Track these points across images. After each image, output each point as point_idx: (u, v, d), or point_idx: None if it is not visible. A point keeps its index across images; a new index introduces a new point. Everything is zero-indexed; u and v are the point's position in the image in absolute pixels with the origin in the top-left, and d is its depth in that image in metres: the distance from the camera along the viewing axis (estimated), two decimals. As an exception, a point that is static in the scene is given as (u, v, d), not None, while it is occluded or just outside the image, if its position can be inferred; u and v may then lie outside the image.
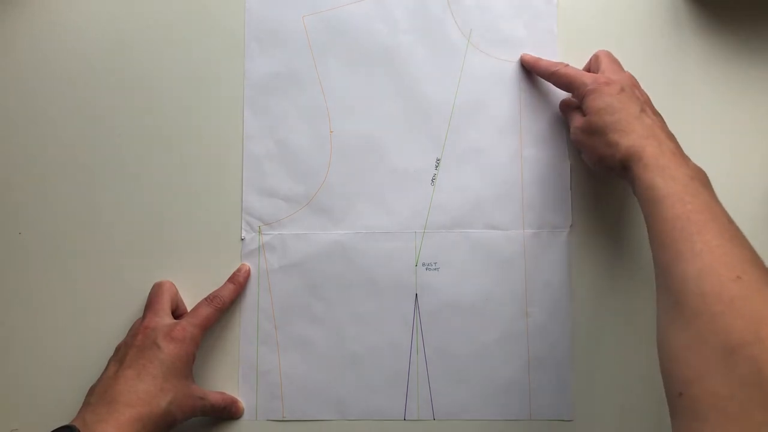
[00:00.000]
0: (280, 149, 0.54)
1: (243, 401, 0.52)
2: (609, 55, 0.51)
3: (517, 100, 0.55)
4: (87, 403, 0.45)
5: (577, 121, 0.50)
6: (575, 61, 0.53)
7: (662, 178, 0.42)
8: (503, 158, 0.54)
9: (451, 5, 0.55)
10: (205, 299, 0.51)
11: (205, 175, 0.54)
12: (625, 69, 0.50)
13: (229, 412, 0.51)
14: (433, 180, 0.54)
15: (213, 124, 0.55)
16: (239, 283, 0.53)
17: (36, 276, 0.54)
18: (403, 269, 0.53)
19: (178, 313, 0.52)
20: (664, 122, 0.47)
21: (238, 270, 0.53)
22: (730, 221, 0.41)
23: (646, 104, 0.47)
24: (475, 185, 0.54)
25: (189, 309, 0.52)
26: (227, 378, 0.52)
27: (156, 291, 0.51)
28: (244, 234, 0.54)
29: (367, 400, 0.52)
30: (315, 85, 0.55)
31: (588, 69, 0.52)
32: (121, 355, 0.48)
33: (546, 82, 0.54)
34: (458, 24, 0.55)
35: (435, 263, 0.53)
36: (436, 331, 0.53)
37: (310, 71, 0.55)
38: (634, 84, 0.49)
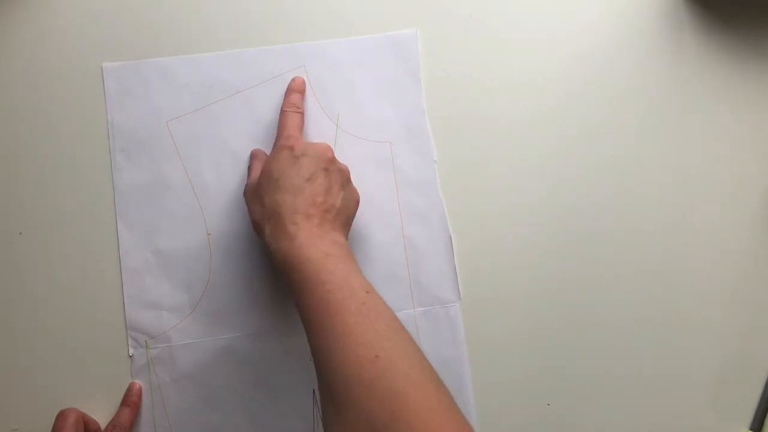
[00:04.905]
0: (159, 259, 0.53)
1: None
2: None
3: (393, 180, 0.54)
4: None
5: (252, 173, 0.50)
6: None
7: (299, 261, 0.42)
8: (386, 239, 0.54)
9: (316, 92, 0.55)
10: (106, 430, 0.50)
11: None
12: (624, 69, 0.52)
13: None
14: (318, 270, 0.53)
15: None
16: (134, 404, 0.51)
17: (36, 276, 0.53)
18: (296, 366, 0.52)
19: (90, 430, 0.50)
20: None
21: (129, 390, 0.52)
22: (368, 290, 0.42)
23: (317, 178, 0.46)
24: (361, 268, 0.53)
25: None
26: (128, 503, 0.51)
27: (60, 425, 0.49)
28: (131, 350, 0.53)
29: (273, 507, 0.51)
30: (187, 189, 0.54)
31: None
32: None
33: (417, 157, 0.54)
34: (324, 109, 0.55)
35: (329, 355, 0.53)
36: (338, 424, 0.52)
37: (179, 175, 0.54)
38: (326, 157, 0.48)
